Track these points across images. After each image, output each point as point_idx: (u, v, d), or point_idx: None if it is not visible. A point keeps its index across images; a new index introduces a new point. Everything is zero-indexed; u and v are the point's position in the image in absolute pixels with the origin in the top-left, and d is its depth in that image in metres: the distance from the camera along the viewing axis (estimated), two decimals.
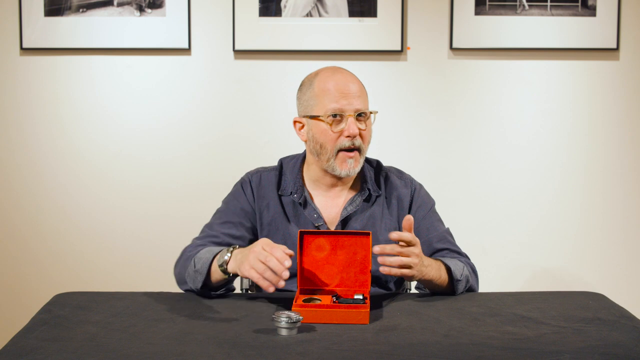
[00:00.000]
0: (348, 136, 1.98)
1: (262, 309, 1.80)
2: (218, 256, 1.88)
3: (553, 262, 3.22)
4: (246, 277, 1.82)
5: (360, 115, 2.01)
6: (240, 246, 1.91)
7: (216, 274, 1.89)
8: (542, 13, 3.10)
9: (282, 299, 1.87)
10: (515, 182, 3.19)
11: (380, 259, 1.81)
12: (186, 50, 3.13)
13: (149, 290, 2.02)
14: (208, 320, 1.71)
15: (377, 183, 2.11)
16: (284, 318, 1.59)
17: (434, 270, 1.91)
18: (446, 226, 2.15)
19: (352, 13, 3.09)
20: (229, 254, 1.86)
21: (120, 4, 3.08)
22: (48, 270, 3.19)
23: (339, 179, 2.06)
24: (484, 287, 2.21)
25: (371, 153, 2.29)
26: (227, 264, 1.86)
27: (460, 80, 3.16)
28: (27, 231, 3.19)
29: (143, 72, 3.15)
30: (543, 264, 3.22)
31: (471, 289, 2.03)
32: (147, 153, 3.17)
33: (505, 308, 1.82)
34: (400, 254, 1.82)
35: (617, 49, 3.12)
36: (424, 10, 3.12)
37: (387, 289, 2.11)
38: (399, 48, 3.10)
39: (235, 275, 1.88)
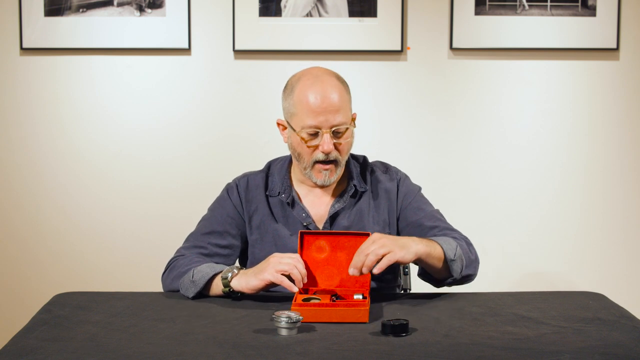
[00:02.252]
0: (323, 151, 1.97)
1: (262, 309, 1.80)
2: (222, 273, 1.89)
3: (553, 262, 3.22)
4: (264, 286, 1.84)
5: (338, 130, 1.98)
6: (240, 267, 1.93)
7: (216, 289, 1.91)
8: (542, 13, 3.10)
9: (282, 299, 1.87)
10: (515, 182, 3.19)
11: (364, 269, 1.79)
12: (186, 50, 3.13)
13: (149, 290, 2.02)
14: (208, 320, 1.71)
15: (363, 179, 2.11)
16: (284, 318, 1.59)
17: (425, 245, 1.86)
18: (436, 208, 2.14)
19: (352, 13, 3.09)
20: (235, 271, 1.88)
21: (120, 4, 3.08)
22: (48, 270, 3.19)
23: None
24: (484, 287, 2.21)
25: (372, 153, 2.29)
26: (230, 281, 1.87)
27: (460, 80, 3.16)
28: (27, 231, 3.19)
29: (143, 72, 3.15)
30: (543, 264, 3.22)
31: (471, 266, 1.97)
32: (147, 153, 3.17)
33: (505, 308, 1.82)
34: (366, 256, 1.79)
35: (617, 49, 3.12)
36: (424, 10, 3.12)
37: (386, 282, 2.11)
38: (399, 48, 3.10)
39: (234, 294, 1.88)
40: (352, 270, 1.80)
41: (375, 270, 1.78)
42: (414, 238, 1.89)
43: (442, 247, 1.90)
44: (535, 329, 1.64)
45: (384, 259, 1.78)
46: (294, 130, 1.99)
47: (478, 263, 2.02)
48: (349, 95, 2.03)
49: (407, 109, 3.17)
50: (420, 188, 2.17)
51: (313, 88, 1.97)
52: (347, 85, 2.05)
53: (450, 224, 2.11)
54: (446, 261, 1.90)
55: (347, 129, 1.99)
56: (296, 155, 2.03)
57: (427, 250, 1.87)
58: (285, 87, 2.06)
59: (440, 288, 2.01)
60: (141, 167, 3.17)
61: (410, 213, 2.09)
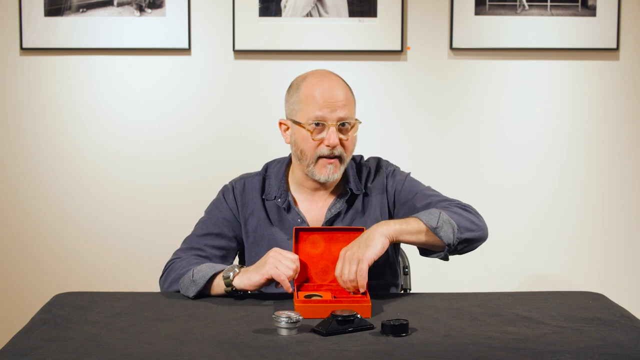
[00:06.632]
0: (328, 145, 1.98)
1: (262, 309, 1.81)
2: (223, 272, 1.89)
3: (553, 262, 3.22)
4: (265, 281, 1.84)
5: (344, 125, 2.00)
6: (240, 265, 1.93)
7: (217, 288, 1.90)
8: (542, 13, 3.10)
9: (282, 299, 1.87)
10: (515, 182, 3.19)
11: (360, 290, 1.83)
12: (186, 50, 3.13)
13: (149, 290, 2.02)
14: (208, 320, 1.71)
15: (359, 179, 2.11)
16: (284, 318, 1.59)
17: (394, 223, 1.89)
18: (426, 185, 2.14)
19: (352, 13, 3.09)
20: (236, 270, 1.88)
21: (120, 4, 3.08)
22: (48, 270, 3.19)
23: (321, 182, 2.05)
24: (484, 287, 2.22)
25: (372, 153, 2.29)
26: (232, 280, 1.87)
27: (460, 80, 3.16)
28: (27, 231, 3.19)
29: (143, 72, 3.15)
30: (543, 264, 3.22)
31: (471, 229, 1.94)
32: (147, 153, 3.17)
33: (505, 308, 1.82)
34: (347, 281, 1.83)
35: (617, 49, 3.12)
36: (424, 10, 3.12)
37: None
38: (399, 48, 3.10)
39: (237, 292, 1.89)
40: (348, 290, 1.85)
41: (362, 290, 1.80)
42: (382, 222, 1.91)
43: (420, 219, 1.90)
44: (535, 329, 1.64)
45: (358, 277, 1.80)
46: (300, 124, 2.00)
47: (482, 223, 1.98)
48: (354, 98, 2.06)
49: (407, 109, 3.17)
50: (408, 173, 2.16)
51: (320, 84, 2.00)
52: (352, 91, 2.07)
53: (446, 195, 2.08)
54: (431, 230, 1.89)
55: (352, 126, 2.01)
56: (299, 153, 2.02)
57: (398, 228, 1.88)
58: (290, 87, 2.07)
59: (449, 260, 1.97)
60: (141, 167, 3.17)
61: (403, 200, 2.09)
